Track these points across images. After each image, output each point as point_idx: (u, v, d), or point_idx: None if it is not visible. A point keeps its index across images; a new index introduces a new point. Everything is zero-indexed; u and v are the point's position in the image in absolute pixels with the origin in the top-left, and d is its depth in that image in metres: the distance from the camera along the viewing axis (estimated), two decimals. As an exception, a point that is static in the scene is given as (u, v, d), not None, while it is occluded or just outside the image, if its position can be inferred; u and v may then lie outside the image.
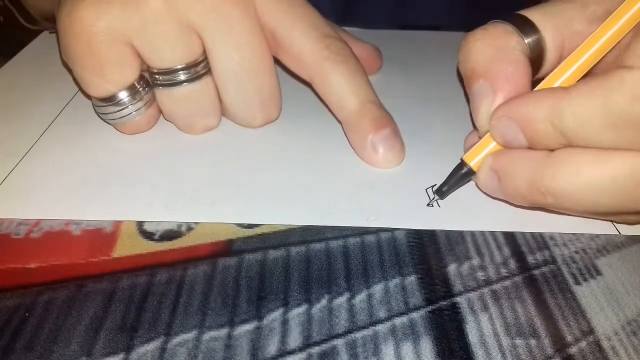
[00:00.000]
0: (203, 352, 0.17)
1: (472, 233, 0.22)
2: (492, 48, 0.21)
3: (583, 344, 0.18)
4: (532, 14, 0.22)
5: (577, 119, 0.19)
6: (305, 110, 0.30)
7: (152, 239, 0.21)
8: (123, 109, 0.25)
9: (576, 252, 0.21)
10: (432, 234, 0.22)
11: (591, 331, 0.18)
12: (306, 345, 0.17)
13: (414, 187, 0.24)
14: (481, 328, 0.18)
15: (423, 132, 0.28)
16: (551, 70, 0.21)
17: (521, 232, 0.22)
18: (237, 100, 0.26)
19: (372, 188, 0.24)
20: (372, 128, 0.24)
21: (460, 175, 0.23)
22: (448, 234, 0.22)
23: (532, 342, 0.18)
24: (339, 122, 0.26)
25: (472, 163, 0.22)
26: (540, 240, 0.22)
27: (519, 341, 0.18)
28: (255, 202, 0.23)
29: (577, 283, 0.20)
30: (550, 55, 0.22)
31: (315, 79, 0.25)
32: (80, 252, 0.20)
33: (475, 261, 0.21)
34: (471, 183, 0.24)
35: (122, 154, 0.25)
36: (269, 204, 0.23)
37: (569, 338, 0.18)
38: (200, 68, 0.24)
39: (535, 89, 0.21)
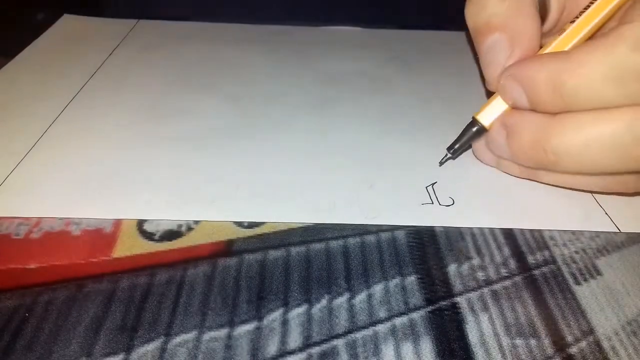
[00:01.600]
0: (203, 352, 0.17)
1: (472, 233, 0.22)
2: (508, 0, 0.21)
3: (583, 344, 0.18)
4: None
5: (577, 80, 0.19)
6: (305, 109, 0.30)
7: (152, 239, 0.21)
8: None
9: (576, 252, 0.21)
10: (432, 234, 0.22)
11: (591, 331, 0.18)
12: (306, 345, 0.17)
13: (413, 186, 0.24)
14: (481, 328, 0.18)
15: (423, 131, 0.28)
16: (551, 28, 0.22)
17: (521, 232, 0.22)
18: None
19: (371, 187, 0.24)
20: None
21: (473, 132, 0.23)
22: (448, 234, 0.22)
23: (532, 342, 0.18)
24: None
25: (484, 119, 0.23)
26: (540, 240, 0.22)
27: (519, 341, 0.18)
28: (255, 201, 0.23)
29: (577, 283, 0.20)
30: (553, 11, 0.22)
31: None
32: (80, 252, 0.20)
33: (475, 261, 0.21)
34: (469, 181, 0.24)
35: (123, 153, 0.25)
36: (268, 202, 0.23)
37: (569, 338, 0.18)
38: None
39: (541, 52, 0.21)
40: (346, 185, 0.24)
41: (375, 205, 0.23)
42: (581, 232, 0.22)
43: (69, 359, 0.16)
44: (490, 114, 0.23)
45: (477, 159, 0.25)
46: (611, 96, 0.18)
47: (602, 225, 0.22)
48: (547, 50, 0.21)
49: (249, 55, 0.36)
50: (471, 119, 0.23)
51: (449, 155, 0.24)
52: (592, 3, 0.21)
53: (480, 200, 0.23)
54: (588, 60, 0.18)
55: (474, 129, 0.23)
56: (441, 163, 0.23)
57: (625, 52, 0.18)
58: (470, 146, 0.24)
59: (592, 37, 0.21)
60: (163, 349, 0.17)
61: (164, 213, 0.22)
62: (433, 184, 0.24)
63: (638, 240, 0.22)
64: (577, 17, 0.21)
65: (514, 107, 0.22)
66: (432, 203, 0.23)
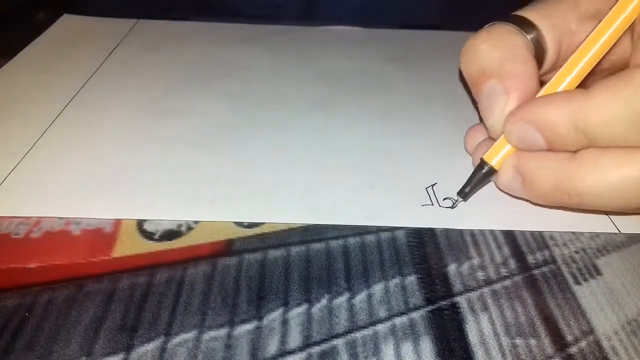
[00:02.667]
0: (203, 352, 0.17)
1: (472, 233, 0.22)
2: (501, 49, 0.21)
3: (583, 343, 0.18)
4: (529, 14, 0.22)
5: (601, 120, 0.18)
6: (305, 109, 0.30)
7: (152, 239, 0.21)
8: None
9: (576, 252, 0.21)
10: (432, 234, 0.22)
11: (591, 331, 0.18)
12: (306, 345, 0.17)
13: (413, 186, 0.24)
14: (481, 328, 0.18)
15: (423, 131, 0.28)
16: (550, 69, 0.22)
17: (521, 232, 0.22)
18: None
19: (372, 187, 0.24)
20: None
21: (482, 175, 0.22)
22: (448, 234, 0.22)
23: (532, 342, 0.18)
24: None
25: (493, 162, 0.22)
26: (540, 240, 0.22)
27: (519, 341, 0.18)
28: (255, 201, 0.23)
29: (577, 283, 0.20)
30: (550, 52, 0.22)
31: None
32: (80, 252, 0.20)
33: (475, 261, 0.21)
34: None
35: (123, 153, 0.25)
36: (268, 202, 0.23)
37: (569, 338, 0.18)
38: None
39: (542, 91, 0.21)
40: (346, 186, 0.24)
41: (376, 206, 0.23)
42: (581, 232, 0.22)
43: (69, 358, 0.16)
44: (496, 152, 0.22)
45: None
46: (635, 138, 0.18)
47: (602, 226, 0.22)
48: (545, 89, 0.21)
49: (249, 55, 0.36)
50: (479, 161, 0.23)
51: (460, 199, 0.23)
52: (588, 35, 0.21)
53: (480, 201, 0.23)
54: (611, 103, 0.18)
55: (483, 171, 0.22)
56: (452, 207, 0.23)
57: None
58: (481, 187, 0.23)
59: (595, 68, 0.21)
60: (163, 349, 0.17)
61: (164, 213, 0.22)
62: (433, 185, 0.24)
63: (638, 240, 0.22)
64: (573, 53, 0.21)
65: (524, 149, 0.21)
66: (432, 204, 0.23)
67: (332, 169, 0.25)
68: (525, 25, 0.22)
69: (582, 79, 0.21)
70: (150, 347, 0.17)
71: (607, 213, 0.23)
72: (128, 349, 0.17)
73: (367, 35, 0.40)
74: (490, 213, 0.23)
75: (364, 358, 0.17)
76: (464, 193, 0.23)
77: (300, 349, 0.17)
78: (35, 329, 0.17)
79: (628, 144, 0.19)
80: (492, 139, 0.23)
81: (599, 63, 0.21)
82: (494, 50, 0.21)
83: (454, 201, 0.23)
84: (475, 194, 0.23)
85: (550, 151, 0.20)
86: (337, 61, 0.35)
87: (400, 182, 0.24)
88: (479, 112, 0.23)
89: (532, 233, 0.22)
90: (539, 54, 0.22)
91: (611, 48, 0.20)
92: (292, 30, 0.40)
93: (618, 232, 0.22)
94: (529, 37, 0.22)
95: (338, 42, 0.38)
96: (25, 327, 0.17)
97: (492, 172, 0.22)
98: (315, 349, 0.17)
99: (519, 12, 0.22)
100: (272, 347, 0.17)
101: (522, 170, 0.21)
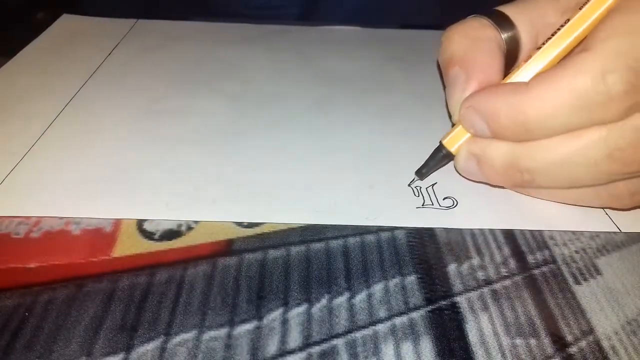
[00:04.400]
0: (203, 352, 0.17)
1: (472, 233, 0.22)
2: (469, 39, 0.23)
3: (583, 343, 0.18)
4: (508, 9, 0.23)
5: (539, 112, 0.19)
6: (305, 109, 0.30)
7: (152, 239, 0.21)
8: None
9: (576, 252, 0.21)
10: (432, 234, 0.22)
11: (591, 331, 0.18)
12: (306, 344, 0.17)
13: (413, 186, 0.24)
14: (481, 328, 0.18)
15: (423, 131, 0.28)
16: (527, 60, 0.22)
17: (521, 232, 0.22)
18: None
19: (371, 187, 0.24)
20: None
21: (439, 157, 0.24)
22: (448, 233, 0.22)
23: (532, 341, 0.18)
24: None
25: (451, 147, 0.23)
26: (540, 240, 0.22)
27: (519, 341, 0.18)
28: (256, 201, 0.23)
29: (577, 283, 0.20)
30: (524, 47, 0.23)
31: None
32: (80, 251, 0.20)
33: (475, 261, 0.21)
34: (469, 182, 0.24)
35: (123, 153, 0.25)
36: (268, 202, 0.23)
37: (569, 338, 0.18)
38: None
39: (504, 79, 0.22)
40: (346, 186, 0.24)
41: (376, 206, 0.23)
42: (581, 232, 0.22)
43: (68, 358, 0.16)
44: (456, 139, 0.23)
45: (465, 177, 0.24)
46: (576, 122, 0.19)
47: (603, 225, 0.22)
48: (510, 79, 0.22)
49: (248, 55, 0.36)
50: (438, 144, 0.24)
51: (417, 178, 0.24)
52: (560, 28, 0.21)
53: (480, 201, 0.23)
54: (549, 92, 0.19)
55: (441, 153, 0.23)
56: (410, 185, 0.24)
57: (588, 83, 0.18)
58: (438, 168, 0.24)
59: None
60: (163, 349, 0.17)
61: (164, 213, 0.22)
62: (433, 185, 0.24)
63: (638, 240, 0.22)
64: (543, 44, 0.21)
65: (477, 136, 0.22)
66: (432, 204, 0.23)
67: (332, 169, 0.25)
68: (502, 20, 0.23)
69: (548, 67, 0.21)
70: (150, 347, 0.17)
71: (571, 202, 0.23)
72: (128, 348, 0.17)
73: (367, 35, 0.40)
74: (489, 212, 0.23)
75: (364, 358, 0.17)
76: (421, 173, 0.24)
77: (300, 348, 0.17)
78: (35, 329, 0.17)
79: (569, 129, 0.19)
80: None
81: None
82: (463, 39, 0.23)
83: (412, 180, 0.24)
84: (475, 194, 0.23)
85: None
86: (337, 61, 0.35)
87: (400, 182, 0.24)
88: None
89: (532, 233, 0.22)
90: (514, 49, 0.23)
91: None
92: (292, 30, 0.40)
93: (618, 230, 0.22)
94: (505, 32, 0.23)
95: (338, 42, 0.38)
96: (25, 327, 0.17)
97: (448, 155, 0.23)
98: (315, 349, 0.17)
99: (500, 7, 0.23)
100: (272, 347, 0.17)
101: (476, 153, 0.22)
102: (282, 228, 0.22)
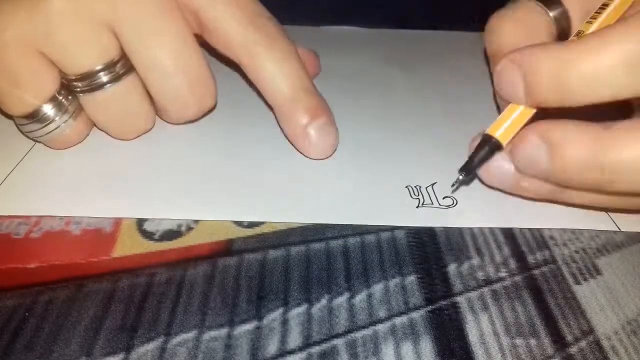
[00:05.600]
0: (203, 352, 0.17)
1: (472, 233, 0.22)
2: (519, 28, 0.21)
3: (583, 343, 0.18)
4: None
5: (586, 70, 0.17)
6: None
7: (152, 239, 0.21)
8: (49, 123, 0.23)
9: (576, 252, 0.21)
10: (432, 233, 0.22)
11: (591, 331, 0.18)
12: (306, 345, 0.17)
13: (413, 185, 0.24)
14: (481, 328, 0.18)
15: (423, 131, 0.28)
16: None
17: (521, 232, 0.22)
18: (164, 90, 0.23)
19: (371, 184, 0.24)
20: (306, 116, 0.24)
21: (488, 150, 0.21)
22: (448, 233, 0.22)
23: (532, 341, 0.18)
24: (270, 108, 0.25)
25: (498, 134, 0.20)
26: (540, 240, 0.22)
27: (519, 341, 0.18)
28: (256, 201, 0.23)
29: (577, 283, 0.20)
30: (575, 26, 0.22)
31: (245, 64, 0.24)
32: (80, 252, 0.20)
33: (475, 261, 0.21)
34: (470, 181, 0.24)
35: (124, 152, 0.25)
36: (269, 202, 0.23)
37: (569, 338, 0.18)
38: (119, 67, 0.23)
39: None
40: (346, 185, 0.24)
41: (376, 205, 0.23)
42: (581, 232, 0.22)
43: (68, 358, 0.16)
44: (508, 129, 0.20)
45: (486, 183, 0.23)
46: (626, 87, 0.17)
47: (603, 224, 0.22)
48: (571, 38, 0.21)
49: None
50: (483, 136, 0.21)
51: (462, 177, 0.21)
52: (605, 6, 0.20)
53: (480, 199, 0.23)
54: (599, 49, 0.17)
55: (489, 145, 0.21)
56: (453, 188, 0.22)
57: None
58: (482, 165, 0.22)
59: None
60: (163, 349, 0.17)
61: (164, 212, 0.22)
62: (433, 185, 0.24)
63: (638, 240, 0.22)
64: (592, 17, 0.20)
65: (507, 99, 0.20)
66: (432, 203, 0.23)
67: (332, 168, 0.25)
68: (550, 1, 0.22)
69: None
70: (150, 347, 0.17)
71: (624, 211, 0.22)
72: (128, 349, 0.17)
73: (367, 35, 0.40)
74: (489, 211, 0.23)
75: (364, 358, 0.17)
76: (468, 170, 0.21)
77: (300, 348, 0.17)
78: (35, 329, 0.17)
79: (615, 95, 0.17)
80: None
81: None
82: (512, 29, 0.22)
83: (457, 180, 0.21)
84: (474, 193, 0.23)
85: (583, 121, 0.19)
86: (337, 61, 0.35)
87: (400, 181, 0.24)
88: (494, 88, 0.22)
89: (532, 233, 0.22)
90: (565, 29, 0.22)
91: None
92: (292, 30, 0.40)
93: (618, 230, 0.22)
94: (553, 14, 0.21)
95: (338, 42, 0.38)
96: (25, 327, 0.17)
97: (497, 146, 0.21)
98: (315, 349, 0.17)
99: None
100: (272, 347, 0.17)
101: (549, 136, 0.19)
102: (282, 228, 0.22)
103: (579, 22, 0.22)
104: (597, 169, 0.18)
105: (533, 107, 0.20)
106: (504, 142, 0.21)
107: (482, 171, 0.22)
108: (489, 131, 0.21)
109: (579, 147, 0.18)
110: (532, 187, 0.21)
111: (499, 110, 0.22)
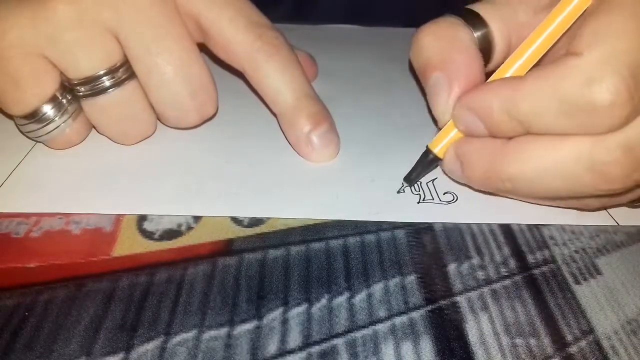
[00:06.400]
0: (203, 352, 0.17)
1: (472, 232, 0.22)
2: (443, 40, 0.22)
3: (583, 343, 0.18)
4: (480, 7, 0.22)
5: (530, 107, 0.19)
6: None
7: (152, 238, 0.21)
8: (48, 123, 0.23)
9: (576, 252, 0.21)
10: (432, 233, 0.22)
11: (591, 330, 0.18)
12: (306, 344, 0.17)
13: (416, 182, 0.24)
14: (481, 327, 0.18)
15: (424, 129, 0.28)
16: (500, 62, 0.22)
17: (521, 231, 0.22)
18: (164, 97, 0.24)
19: (372, 182, 0.24)
20: (309, 124, 0.24)
21: (427, 162, 0.23)
22: (448, 233, 0.22)
23: (532, 341, 0.18)
24: (274, 115, 0.26)
25: (437, 150, 0.23)
26: (540, 240, 0.22)
27: (518, 340, 0.18)
28: (258, 197, 0.23)
29: (577, 282, 0.20)
30: (498, 47, 0.22)
31: (248, 71, 0.25)
32: (80, 251, 0.20)
33: (475, 260, 0.21)
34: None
35: (126, 150, 0.25)
36: (271, 198, 0.23)
37: (569, 337, 0.18)
38: (121, 72, 0.23)
39: (490, 79, 0.22)
40: (347, 181, 0.24)
41: (377, 202, 0.23)
42: (581, 231, 0.22)
43: (68, 358, 0.16)
44: (443, 142, 0.23)
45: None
46: (564, 125, 0.19)
47: (601, 219, 0.23)
48: (492, 76, 0.22)
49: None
50: (425, 149, 0.23)
51: (406, 184, 0.24)
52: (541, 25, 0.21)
53: (480, 196, 0.23)
54: (540, 91, 0.19)
55: (428, 158, 0.23)
56: (399, 192, 0.24)
57: (573, 87, 0.18)
58: (427, 173, 0.24)
59: (542, 58, 0.21)
60: (163, 348, 0.17)
61: (167, 209, 0.22)
62: (433, 180, 0.24)
63: (638, 240, 0.22)
64: (526, 43, 0.21)
65: (471, 135, 0.22)
66: (433, 199, 0.23)
67: (333, 164, 0.25)
68: (474, 18, 0.22)
69: (529, 67, 0.21)
70: (150, 346, 0.17)
71: (547, 204, 0.23)
72: (128, 348, 0.17)
73: (367, 35, 0.40)
74: (490, 207, 0.23)
75: (364, 358, 0.17)
76: (409, 179, 0.24)
77: (300, 348, 0.17)
78: (35, 329, 0.17)
79: (557, 130, 0.19)
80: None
81: (551, 52, 0.21)
82: (436, 42, 0.22)
83: (401, 187, 0.24)
84: (475, 191, 0.23)
85: (490, 138, 0.21)
86: (337, 60, 0.35)
87: (401, 177, 0.24)
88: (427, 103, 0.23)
89: (532, 233, 0.22)
90: (487, 48, 0.22)
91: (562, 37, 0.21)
92: (291, 28, 0.40)
93: (617, 224, 0.22)
94: (477, 31, 0.22)
95: (337, 42, 0.38)
96: (25, 326, 0.17)
97: (436, 159, 0.23)
98: (315, 349, 0.17)
99: (472, 6, 0.23)
100: (272, 347, 0.17)
101: (460, 155, 0.22)
102: (282, 228, 0.22)
103: (501, 37, 0.22)
104: (497, 181, 0.21)
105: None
106: (441, 155, 0.23)
107: (441, 167, 0.24)
108: (430, 145, 0.23)
109: (480, 162, 0.21)
110: (476, 185, 0.23)
111: (434, 122, 0.24)
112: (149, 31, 0.22)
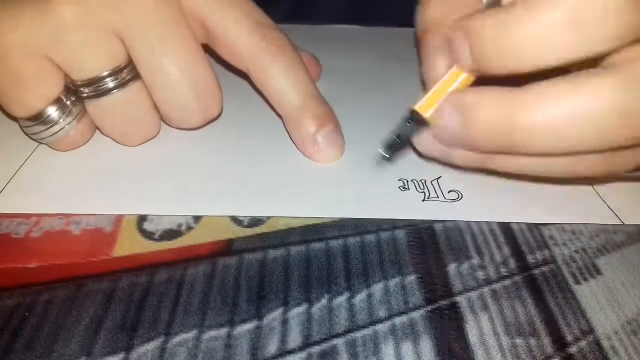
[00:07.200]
0: (203, 352, 0.17)
1: (472, 232, 0.22)
2: (446, 4, 0.22)
3: (583, 343, 0.18)
4: None
5: (531, 32, 0.17)
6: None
7: (152, 239, 0.21)
8: (53, 125, 0.23)
9: (576, 252, 0.21)
10: (432, 233, 0.22)
11: (591, 330, 0.18)
12: (306, 344, 0.17)
13: (418, 179, 0.24)
14: (481, 327, 0.18)
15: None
16: None
17: (521, 231, 0.22)
18: (169, 98, 0.23)
19: (374, 181, 0.24)
20: (314, 125, 0.24)
21: (410, 127, 0.21)
22: (448, 233, 0.22)
23: (532, 341, 0.18)
24: (279, 116, 0.26)
25: (425, 112, 0.21)
26: (540, 240, 0.22)
27: (518, 340, 0.18)
28: (259, 196, 0.23)
29: (577, 282, 0.20)
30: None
31: (253, 72, 0.24)
32: (80, 251, 0.20)
33: (475, 260, 0.21)
34: (474, 176, 0.24)
35: (127, 150, 0.25)
36: (272, 198, 0.23)
37: (569, 337, 0.18)
38: (125, 73, 0.23)
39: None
40: (350, 180, 0.24)
41: (381, 200, 0.23)
42: (581, 231, 0.22)
43: (68, 358, 0.16)
44: (431, 103, 0.20)
45: (421, 152, 0.23)
46: (570, 46, 0.17)
47: (605, 218, 0.23)
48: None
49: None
50: (408, 112, 0.21)
51: (384, 155, 0.22)
52: None
53: (484, 194, 0.23)
54: (542, 6, 0.17)
55: (412, 123, 0.21)
56: (378, 163, 0.22)
57: None
58: (409, 144, 0.22)
59: None
60: (163, 348, 0.17)
61: (167, 209, 0.22)
62: (438, 178, 0.24)
63: (638, 239, 0.22)
64: None
65: (454, 62, 0.20)
66: (438, 197, 0.23)
67: (337, 165, 0.25)
68: None
69: None
70: (150, 346, 0.17)
71: (547, 175, 0.21)
72: (128, 348, 0.17)
73: (367, 35, 0.40)
74: (494, 205, 0.23)
75: (364, 358, 0.17)
76: (390, 149, 0.22)
77: (300, 348, 0.17)
78: (35, 329, 0.17)
79: (560, 58, 0.17)
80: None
81: None
82: (440, 5, 0.22)
83: (379, 158, 0.22)
84: (479, 187, 0.24)
85: (500, 86, 0.19)
86: (337, 60, 0.35)
87: (405, 175, 0.24)
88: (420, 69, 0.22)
89: (532, 233, 0.22)
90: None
91: None
92: (291, 28, 0.40)
93: (621, 223, 0.22)
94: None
95: (337, 42, 0.38)
96: (25, 327, 0.17)
97: (422, 123, 0.21)
98: (315, 349, 0.17)
99: None
100: (272, 347, 0.17)
101: (462, 106, 0.19)
102: (282, 228, 0.22)
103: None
104: (504, 134, 0.18)
105: (479, 72, 0.19)
106: (429, 117, 0.21)
107: (416, 142, 0.22)
108: (413, 106, 0.21)
109: (488, 113, 0.19)
110: (460, 157, 0.21)
111: (422, 83, 0.22)
112: (154, 32, 0.22)
